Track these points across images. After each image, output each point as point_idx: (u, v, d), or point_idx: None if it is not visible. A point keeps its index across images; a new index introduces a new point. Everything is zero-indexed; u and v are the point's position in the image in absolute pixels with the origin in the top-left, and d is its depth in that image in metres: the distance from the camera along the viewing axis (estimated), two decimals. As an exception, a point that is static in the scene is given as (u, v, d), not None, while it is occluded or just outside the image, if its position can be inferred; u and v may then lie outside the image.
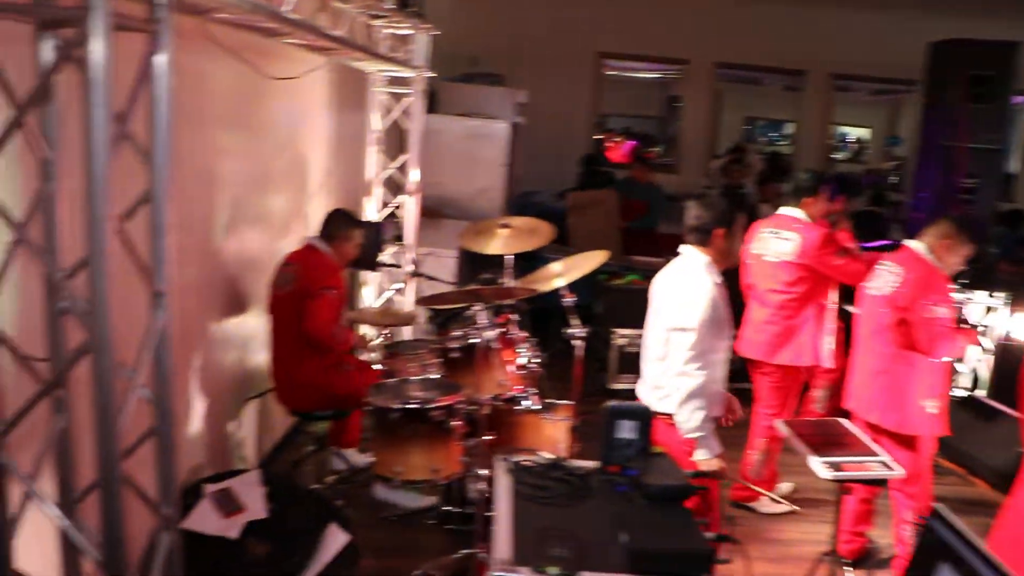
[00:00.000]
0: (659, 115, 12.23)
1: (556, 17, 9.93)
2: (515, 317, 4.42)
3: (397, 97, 6.12)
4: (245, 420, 4.58)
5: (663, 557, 2.28)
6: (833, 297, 4.79)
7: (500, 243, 4.47)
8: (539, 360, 4.37)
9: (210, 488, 3.41)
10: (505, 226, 4.48)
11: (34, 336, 2.07)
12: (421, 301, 4.38)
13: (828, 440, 3.62)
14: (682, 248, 3.50)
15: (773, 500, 4.93)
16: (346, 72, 5.78)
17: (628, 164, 9.47)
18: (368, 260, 5.49)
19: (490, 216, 7.00)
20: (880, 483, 3.99)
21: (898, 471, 3.41)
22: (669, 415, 3.27)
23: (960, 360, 5.35)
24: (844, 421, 3.88)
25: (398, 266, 5.81)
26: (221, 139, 4.01)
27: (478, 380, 3.79)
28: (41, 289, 1.97)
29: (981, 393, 5.47)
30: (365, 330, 5.72)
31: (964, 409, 5.46)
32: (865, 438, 3.69)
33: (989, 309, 5.42)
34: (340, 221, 4.55)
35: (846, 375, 4.33)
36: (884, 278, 4.01)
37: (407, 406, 3.72)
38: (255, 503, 3.38)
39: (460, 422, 3.79)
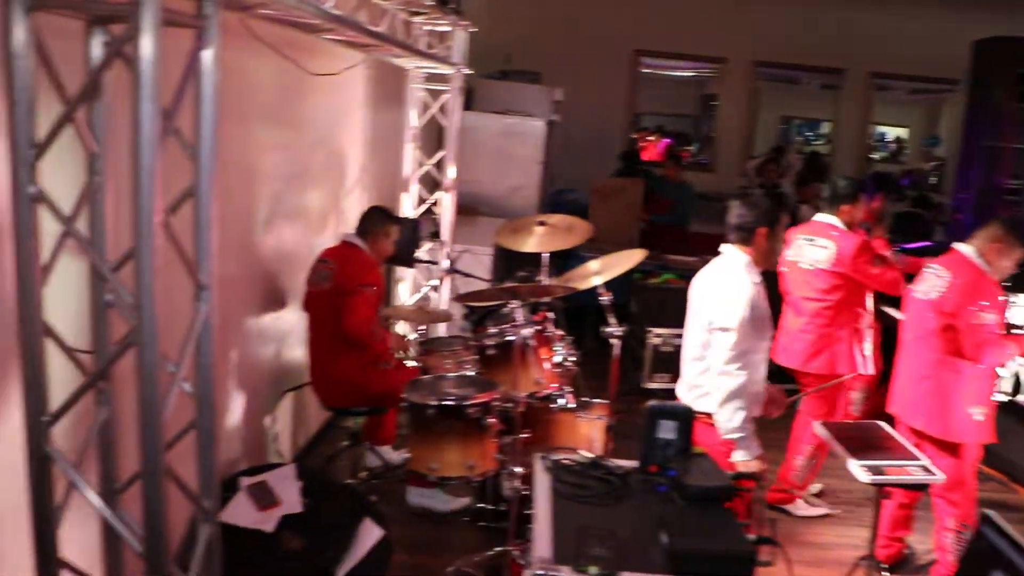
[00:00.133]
0: (694, 114, 12.17)
1: (593, 15, 9.90)
2: (551, 315, 4.41)
3: (434, 94, 6.13)
4: (281, 414, 4.60)
5: (704, 558, 2.26)
6: (869, 303, 4.74)
7: (536, 241, 4.46)
8: (575, 358, 4.36)
9: (246, 481, 3.43)
10: (542, 223, 4.47)
11: (79, 328, 2.10)
12: (459, 298, 4.38)
13: (867, 443, 3.58)
14: (723, 247, 3.47)
15: (809, 502, 4.88)
16: (384, 69, 5.79)
17: (661, 162, 9.43)
18: (405, 257, 5.50)
19: (525, 214, 6.99)
20: (921, 488, 3.93)
21: (938, 476, 3.35)
22: (706, 414, 3.25)
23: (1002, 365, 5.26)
24: (884, 424, 3.83)
25: (435, 263, 5.82)
26: (261, 134, 4.03)
27: (514, 377, 3.78)
28: (86, 282, 1.99)
29: (1023, 398, 5.38)
30: (403, 329, 5.73)
31: (1005, 414, 5.36)
32: (905, 442, 3.64)
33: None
34: (377, 218, 4.56)
35: (887, 378, 4.28)
36: (931, 282, 3.92)
37: (443, 403, 3.72)
38: (291, 497, 3.40)
39: (496, 419, 3.78)
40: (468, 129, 6.73)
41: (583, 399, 4.27)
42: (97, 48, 1.83)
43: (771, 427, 3.42)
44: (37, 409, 1.89)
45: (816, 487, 4.99)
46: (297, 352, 4.71)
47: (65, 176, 1.99)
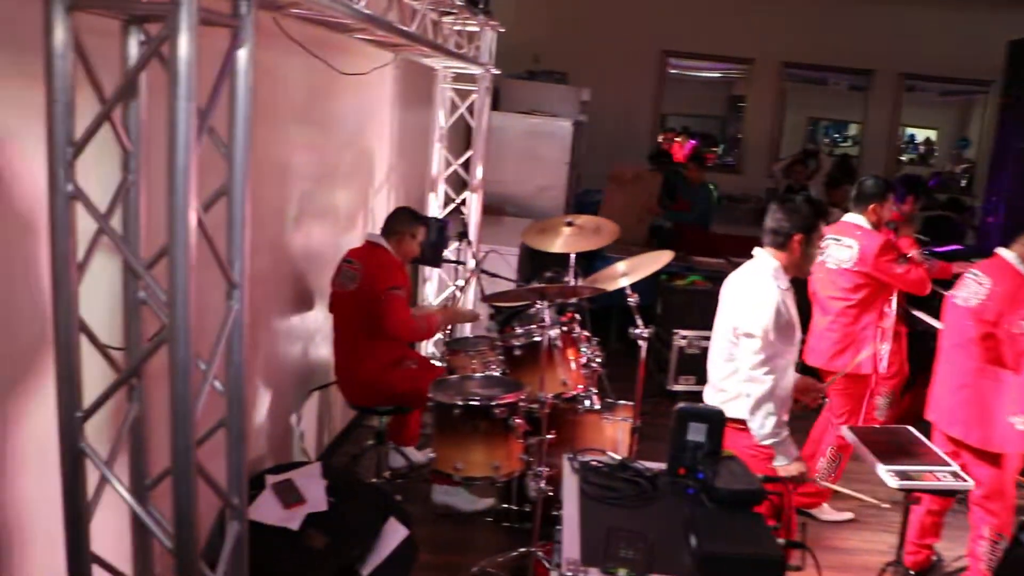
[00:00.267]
0: (720, 115, 12.11)
1: (620, 15, 9.86)
2: (577, 316, 4.40)
3: (461, 94, 6.13)
4: (306, 413, 4.63)
5: (733, 561, 2.25)
6: (892, 304, 4.73)
7: (564, 241, 4.45)
8: (600, 360, 4.36)
9: (272, 479, 3.45)
10: (570, 224, 4.46)
11: (111, 325, 2.11)
12: (487, 298, 4.39)
13: (896, 448, 3.54)
14: (755, 251, 3.45)
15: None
16: (412, 68, 5.81)
17: (683, 164, 9.39)
18: (432, 257, 5.50)
19: (551, 214, 6.99)
20: (951, 495, 3.89)
21: (969, 483, 3.31)
22: (733, 420, 3.23)
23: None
24: (912, 429, 3.79)
25: (462, 263, 5.82)
26: (290, 133, 4.05)
27: (540, 378, 3.77)
28: (119, 279, 2.00)
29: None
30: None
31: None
32: (935, 448, 3.60)
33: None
34: (403, 218, 4.57)
35: (913, 384, 4.23)
36: (971, 288, 3.85)
37: (469, 403, 3.72)
38: (316, 495, 3.41)
39: (522, 420, 3.77)
40: (495, 129, 6.74)
41: (608, 400, 4.27)
42: (133, 47, 1.84)
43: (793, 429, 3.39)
44: (71, 405, 1.90)
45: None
46: (323, 351, 4.73)
47: (99, 174, 2.00)
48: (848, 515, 4.83)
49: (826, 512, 4.82)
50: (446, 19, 4.71)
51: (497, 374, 4.18)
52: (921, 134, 11.80)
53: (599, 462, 2.84)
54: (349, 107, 4.86)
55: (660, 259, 4.27)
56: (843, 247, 4.56)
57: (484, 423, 3.71)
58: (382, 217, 4.68)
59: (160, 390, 1.84)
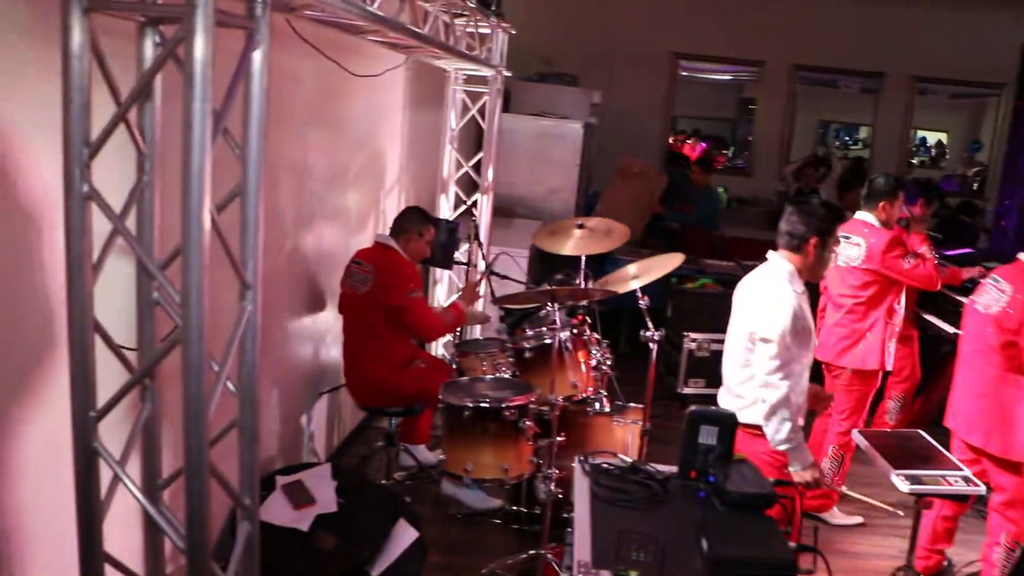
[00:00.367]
0: (731, 117, 12.10)
1: (631, 18, 9.85)
2: (587, 319, 4.40)
3: (472, 96, 6.14)
4: (316, 414, 4.63)
5: (744, 565, 2.24)
6: (902, 301, 4.75)
7: (575, 244, 4.45)
8: (610, 362, 4.35)
9: (282, 480, 3.46)
10: (581, 226, 4.46)
11: (123, 326, 2.12)
12: (498, 300, 4.39)
13: (907, 452, 3.53)
14: (769, 254, 3.44)
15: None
16: (423, 70, 5.81)
17: (688, 166, 9.38)
18: (443, 258, 5.51)
19: (562, 216, 6.99)
20: (964, 500, 3.87)
21: (981, 488, 3.30)
22: (749, 425, 3.22)
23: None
24: (923, 433, 3.77)
25: (472, 265, 5.83)
26: (302, 134, 4.06)
27: (551, 381, 3.77)
28: (132, 280, 2.01)
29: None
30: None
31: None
32: (946, 452, 3.58)
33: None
34: (412, 218, 4.57)
35: (924, 388, 4.21)
36: (991, 294, 3.78)
37: (479, 405, 3.72)
38: (326, 496, 3.41)
39: (532, 423, 3.77)
40: (505, 131, 6.74)
41: (618, 403, 4.28)
42: (149, 49, 1.85)
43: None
44: (85, 405, 1.91)
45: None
46: (334, 352, 4.74)
47: (112, 174, 2.01)
48: (858, 519, 4.81)
49: (836, 516, 4.80)
50: (458, 21, 4.71)
51: (507, 376, 4.18)
52: (932, 137, 11.77)
53: (610, 464, 2.84)
54: (361, 109, 4.87)
55: (671, 262, 4.27)
56: (852, 245, 4.60)
57: (494, 425, 3.71)
58: (393, 219, 4.69)
59: (172, 390, 1.85)
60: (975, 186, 10.78)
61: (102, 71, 1.79)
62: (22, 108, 2.06)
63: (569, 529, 2.72)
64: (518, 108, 8.13)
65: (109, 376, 1.98)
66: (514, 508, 4.39)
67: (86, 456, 1.93)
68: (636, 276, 4.22)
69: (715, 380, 4.84)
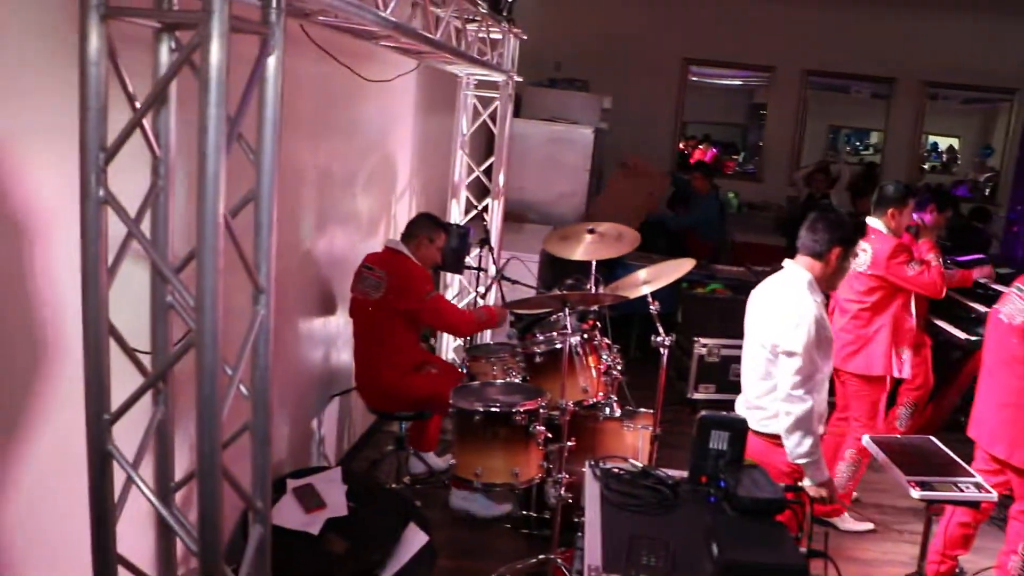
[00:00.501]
0: (741, 123, 12.09)
1: (642, 23, 9.87)
2: (598, 324, 4.40)
3: (483, 101, 6.16)
4: (326, 418, 4.65)
5: (755, 569, 2.24)
6: (912, 308, 4.76)
7: (585, 249, 4.45)
8: (620, 367, 4.35)
9: (293, 483, 3.47)
10: (591, 231, 4.46)
11: (137, 329, 2.13)
12: (509, 305, 4.39)
13: (918, 459, 3.51)
14: (786, 263, 3.41)
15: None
16: (434, 75, 5.83)
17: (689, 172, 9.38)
18: (454, 263, 5.52)
19: (572, 221, 6.99)
20: (976, 507, 3.84)
21: (992, 495, 3.27)
22: (769, 436, 3.21)
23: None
24: (935, 440, 3.75)
25: (483, 269, 5.84)
26: (315, 139, 4.08)
27: (561, 385, 3.78)
28: (146, 284, 2.02)
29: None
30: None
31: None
32: (957, 458, 3.56)
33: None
34: (423, 223, 4.59)
35: (935, 394, 4.19)
36: (1016, 305, 3.72)
37: (490, 409, 3.73)
38: (336, 500, 3.43)
39: (542, 427, 3.78)
40: (516, 136, 6.76)
41: (628, 408, 4.27)
42: (164, 55, 1.87)
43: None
44: (99, 407, 1.92)
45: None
46: (344, 356, 4.75)
47: (127, 179, 2.02)
48: (868, 525, 4.80)
49: (847, 522, 4.79)
50: (470, 26, 4.73)
51: (518, 381, 4.19)
52: (944, 142, 11.72)
53: (621, 469, 2.84)
54: (373, 113, 4.89)
55: (682, 267, 4.27)
56: (859, 250, 4.57)
57: (504, 430, 3.71)
58: (404, 223, 4.70)
59: (186, 393, 1.86)
60: (987, 191, 10.74)
61: (118, 77, 1.80)
62: (38, 113, 2.08)
63: (579, 533, 2.72)
64: (529, 113, 8.14)
65: (123, 379, 1.99)
66: (524, 512, 4.39)
67: (100, 458, 1.94)
68: (647, 281, 4.22)
69: (725, 385, 4.84)
